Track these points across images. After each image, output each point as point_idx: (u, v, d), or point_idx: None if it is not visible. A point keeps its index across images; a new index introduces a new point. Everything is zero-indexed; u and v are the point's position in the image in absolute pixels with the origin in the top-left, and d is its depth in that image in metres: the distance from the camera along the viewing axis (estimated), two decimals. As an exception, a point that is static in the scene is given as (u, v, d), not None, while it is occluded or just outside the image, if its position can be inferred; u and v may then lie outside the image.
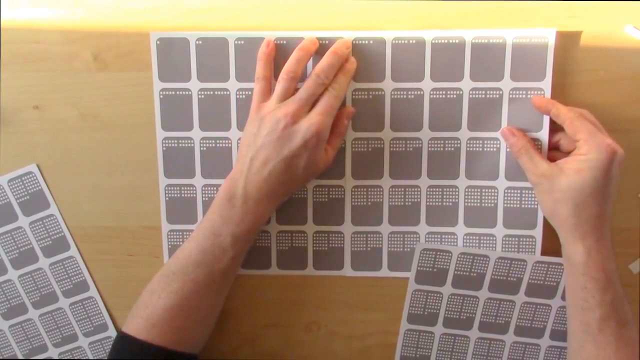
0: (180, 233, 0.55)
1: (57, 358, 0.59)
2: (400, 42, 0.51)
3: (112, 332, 0.58)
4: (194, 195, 0.54)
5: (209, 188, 0.54)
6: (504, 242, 0.53)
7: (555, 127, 0.51)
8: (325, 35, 0.51)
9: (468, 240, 0.54)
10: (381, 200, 0.54)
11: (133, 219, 0.56)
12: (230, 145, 0.53)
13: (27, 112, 0.54)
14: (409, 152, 0.53)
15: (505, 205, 0.53)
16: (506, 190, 0.53)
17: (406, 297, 0.55)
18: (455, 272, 0.54)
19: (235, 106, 0.53)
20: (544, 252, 0.53)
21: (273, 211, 0.53)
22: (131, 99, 0.53)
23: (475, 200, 0.53)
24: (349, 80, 0.51)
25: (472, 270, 0.54)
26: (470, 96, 0.51)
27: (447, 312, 0.55)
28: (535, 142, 0.51)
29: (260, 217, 0.49)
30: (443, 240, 0.54)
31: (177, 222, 0.55)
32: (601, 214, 0.46)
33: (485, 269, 0.54)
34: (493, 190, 0.53)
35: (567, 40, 0.50)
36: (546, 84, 0.50)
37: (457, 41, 0.50)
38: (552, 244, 0.52)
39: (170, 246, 0.55)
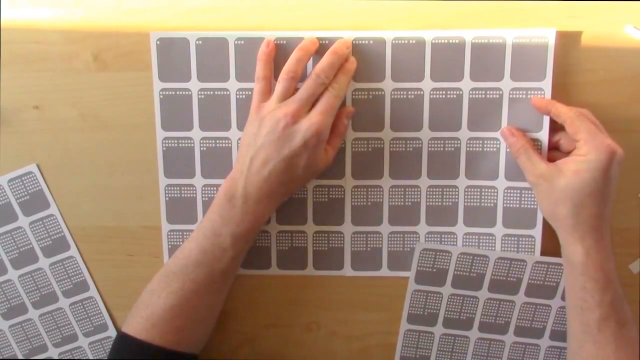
0: (180, 233, 0.55)
1: (57, 358, 0.59)
2: (400, 42, 0.51)
3: (112, 332, 0.58)
4: (194, 195, 0.54)
5: (209, 188, 0.54)
6: (503, 242, 0.53)
7: (555, 127, 0.51)
8: (325, 35, 0.51)
9: (467, 240, 0.54)
10: (381, 200, 0.54)
11: (133, 219, 0.56)
12: (230, 145, 0.53)
13: (27, 112, 0.54)
14: (409, 152, 0.53)
15: (505, 205, 0.53)
16: (506, 190, 0.53)
17: (406, 297, 0.55)
18: (455, 272, 0.54)
19: (235, 106, 0.53)
20: (543, 252, 0.53)
21: (273, 211, 0.53)
22: (131, 99, 0.53)
23: (475, 200, 0.53)
24: (349, 79, 0.51)
25: (472, 270, 0.54)
26: (470, 96, 0.51)
27: (447, 313, 0.55)
28: (535, 143, 0.51)
29: (260, 217, 0.49)
30: (443, 240, 0.54)
31: (177, 222, 0.55)
32: (600, 214, 0.46)
33: (485, 269, 0.54)
34: (493, 190, 0.53)
35: (567, 40, 0.50)
36: (546, 84, 0.50)
37: (457, 41, 0.50)
38: (551, 244, 0.52)
39: (170, 246, 0.55)
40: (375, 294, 0.56)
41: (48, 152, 0.55)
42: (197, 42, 0.52)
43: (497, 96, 0.51)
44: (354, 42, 0.51)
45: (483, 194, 0.53)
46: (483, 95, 0.51)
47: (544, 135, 0.51)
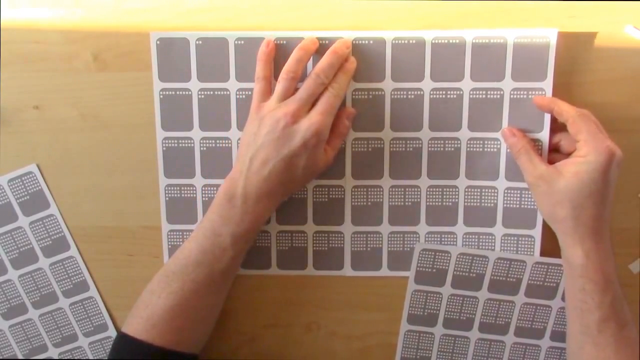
0: (180, 233, 0.55)
1: (57, 358, 0.59)
2: (400, 42, 0.51)
3: (112, 332, 0.58)
4: (194, 195, 0.54)
5: (209, 188, 0.54)
6: (502, 242, 0.53)
7: (555, 128, 0.51)
8: (325, 35, 0.51)
9: (467, 240, 0.54)
10: (381, 200, 0.54)
11: (133, 219, 0.56)
12: (230, 145, 0.53)
13: (27, 112, 0.54)
14: (409, 152, 0.53)
15: (505, 205, 0.53)
16: (506, 191, 0.53)
17: (406, 298, 0.55)
18: (455, 272, 0.54)
19: (235, 106, 0.53)
20: (543, 253, 0.53)
21: (273, 211, 0.53)
22: (131, 99, 0.53)
23: (475, 200, 0.53)
24: (349, 79, 0.51)
25: (472, 270, 0.54)
26: (471, 96, 0.51)
27: (447, 313, 0.55)
28: (536, 143, 0.51)
29: (260, 217, 0.49)
30: (443, 239, 0.54)
31: (177, 222, 0.55)
32: (600, 216, 0.46)
33: (485, 269, 0.54)
34: (493, 191, 0.53)
35: (568, 40, 0.50)
36: (547, 84, 0.50)
37: (457, 41, 0.50)
38: (551, 245, 0.52)
39: (170, 246, 0.55)
40: (375, 294, 0.56)
41: (48, 152, 0.55)
42: (197, 42, 0.52)
43: (498, 96, 0.51)
44: (354, 42, 0.51)
45: (483, 194, 0.53)
46: (484, 96, 0.51)
47: (544, 136, 0.51)
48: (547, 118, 0.51)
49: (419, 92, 0.52)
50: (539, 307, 0.54)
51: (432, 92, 0.51)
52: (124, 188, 0.55)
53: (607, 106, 0.51)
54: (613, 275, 0.47)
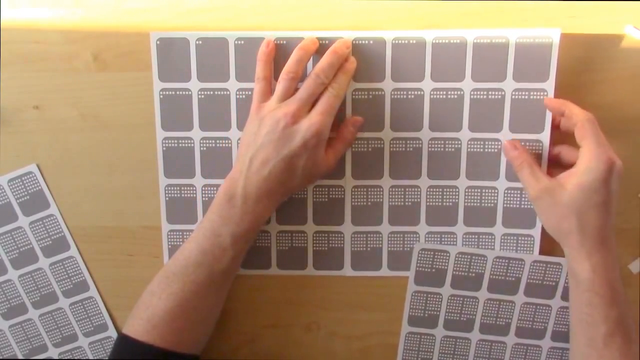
0: (180, 233, 0.55)
1: (57, 358, 0.59)
2: (400, 42, 0.51)
3: (112, 332, 0.58)
4: (194, 195, 0.54)
5: (209, 188, 0.54)
6: (502, 241, 0.53)
7: (554, 141, 0.51)
8: (325, 35, 0.51)
9: (467, 239, 0.54)
10: (381, 200, 0.54)
11: (133, 219, 0.56)
12: (230, 145, 0.53)
13: (27, 112, 0.54)
14: (409, 152, 0.53)
15: (505, 205, 0.53)
16: (506, 191, 0.53)
17: (406, 299, 0.55)
18: (454, 272, 0.54)
19: (235, 106, 0.53)
20: (542, 252, 0.53)
21: (273, 211, 0.52)
22: (131, 99, 0.53)
23: (475, 201, 0.53)
24: (349, 79, 0.51)
25: (471, 270, 0.54)
26: (472, 97, 0.51)
27: (447, 314, 0.55)
28: (537, 143, 0.51)
29: (259, 217, 0.49)
30: (442, 239, 0.54)
31: (177, 222, 0.55)
32: (605, 226, 0.46)
33: (484, 268, 0.54)
34: (493, 191, 0.53)
35: (567, 40, 0.50)
36: (549, 85, 0.50)
37: (458, 41, 0.50)
38: (550, 244, 0.52)
39: (170, 246, 0.55)
40: (375, 294, 0.56)
41: (48, 152, 0.55)
42: (197, 42, 0.52)
43: (499, 97, 0.51)
44: (354, 42, 0.51)
45: (483, 194, 0.53)
46: (485, 96, 0.51)
47: (545, 137, 0.51)
48: (548, 119, 0.51)
49: (419, 92, 0.51)
50: (539, 307, 0.54)
51: (432, 92, 0.51)
52: (124, 188, 0.55)
53: (608, 106, 0.51)
54: (620, 288, 0.46)
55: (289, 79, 0.49)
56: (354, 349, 0.57)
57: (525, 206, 0.53)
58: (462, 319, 0.55)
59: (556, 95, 0.50)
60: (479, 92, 0.51)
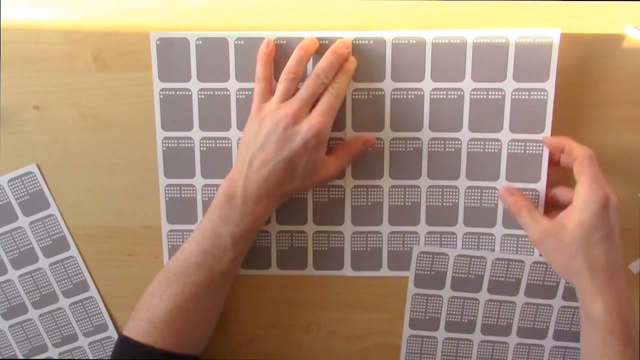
0: (180, 233, 0.55)
1: (57, 358, 0.59)
2: (400, 42, 0.51)
3: (112, 332, 0.58)
4: (194, 195, 0.54)
5: (209, 188, 0.54)
6: (502, 242, 0.53)
7: (549, 183, 0.51)
8: (325, 35, 0.51)
9: (467, 240, 0.54)
10: (381, 200, 0.54)
11: (133, 219, 0.56)
12: (230, 145, 0.53)
13: (27, 112, 0.54)
14: (409, 152, 0.53)
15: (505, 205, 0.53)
16: (506, 191, 0.53)
17: (406, 302, 0.55)
18: (454, 274, 0.54)
19: (235, 106, 0.53)
20: (543, 253, 0.53)
21: (272, 211, 0.52)
22: (131, 99, 0.53)
23: (476, 201, 0.53)
24: (349, 79, 0.50)
25: (470, 272, 0.54)
26: (472, 97, 0.51)
27: (448, 316, 0.55)
28: (536, 144, 0.51)
29: (259, 217, 0.49)
30: (442, 240, 0.54)
31: (177, 222, 0.55)
32: (613, 263, 0.46)
33: (483, 270, 0.54)
34: (493, 191, 0.53)
35: (567, 40, 0.50)
36: (549, 85, 0.50)
37: (458, 41, 0.50)
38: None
39: (170, 246, 0.55)
40: (375, 294, 0.56)
41: (48, 152, 0.55)
42: (197, 42, 0.52)
43: (499, 97, 0.51)
44: (354, 42, 0.51)
45: (484, 194, 0.53)
46: (485, 96, 0.51)
47: (545, 137, 0.51)
48: (549, 119, 0.50)
49: (419, 92, 0.51)
50: (540, 307, 0.54)
51: (432, 92, 0.51)
52: (124, 188, 0.55)
53: (608, 106, 0.51)
54: (634, 325, 0.46)
55: (289, 79, 0.49)
56: (353, 349, 0.57)
57: (526, 206, 0.52)
58: (463, 320, 0.55)
59: (555, 95, 0.50)
60: (479, 92, 0.51)
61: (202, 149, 0.54)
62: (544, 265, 0.53)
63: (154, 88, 0.53)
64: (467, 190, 0.53)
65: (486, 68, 0.51)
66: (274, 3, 0.51)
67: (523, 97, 0.51)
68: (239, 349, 0.57)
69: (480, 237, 0.54)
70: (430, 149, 0.52)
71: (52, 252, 0.56)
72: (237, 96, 0.52)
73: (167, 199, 0.55)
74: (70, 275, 0.57)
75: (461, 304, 0.55)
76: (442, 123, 0.52)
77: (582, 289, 0.47)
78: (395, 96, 0.52)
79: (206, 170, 0.54)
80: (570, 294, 0.54)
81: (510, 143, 0.52)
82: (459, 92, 0.51)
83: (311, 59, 0.50)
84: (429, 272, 0.54)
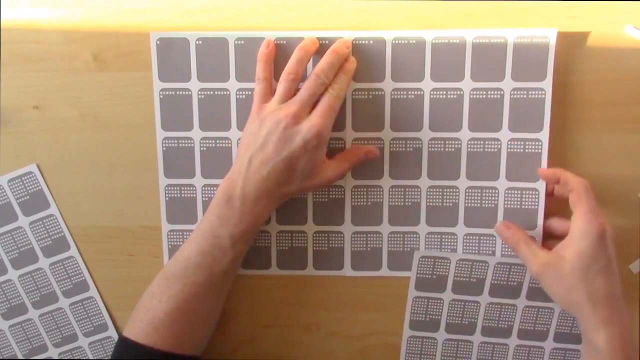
0: (180, 233, 0.55)
1: (57, 358, 0.59)
2: (400, 42, 0.51)
3: (112, 332, 0.58)
4: (194, 195, 0.54)
5: (209, 188, 0.54)
6: (503, 243, 0.53)
7: (546, 213, 0.51)
8: (325, 35, 0.51)
9: (467, 241, 0.54)
10: (381, 200, 0.54)
11: (133, 219, 0.56)
12: (230, 145, 0.53)
13: (27, 112, 0.54)
14: (409, 152, 0.53)
15: (505, 205, 0.53)
16: (507, 191, 0.53)
17: (407, 304, 0.55)
18: (455, 278, 0.54)
19: (235, 106, 0.53)
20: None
21: (271, 212, 0.52)
22: (131, 99, 0.53)
23: (476, 201, 0.53)
24: (349, 79, 0.50)
25: (472, 275, 0.54)
26: (471, 96, 0.51)
27: (449, 318, 0.55)
28: (536, 142, 0.51)
29: (258, 217, 0.49)
30: (443, 240, 0.54)
31: (177, 222, 0.55)
32: (613, 293, 0.46)
33: (485, 274, 0.54)
34: (494, 191, 0.53)
35: (567, 40, 0.50)
36: (547, 84, 0.50)
37: (457, 41, 0.50)
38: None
39: (170, 246, 0.55)
40: (375, 294, 0.56)
41: (48, 152, 0.55)
42: (197, 42, 0.52)
43: (498, 96, 0.51)
44: (354, 42, 0.51)
45: (484, 194, 0.53)
46: (484, 96, 0.51)
47: (544, 136, 0.51)
48: (547, 118, 0.51)
49: (419, 92, 0.51)
50: (541, 310, 0.54)
51: (432, 92, 0.51)
52: (124, 188, 0.55)
53: (607, 106, 0.51)
54: (636, 354, 0.46)
55: (289, 79, 0.49)
56: (353, 349, 0.57)
57: (526, 207, 0.52)
58: (463, 322, 0.55)
59: (555, 95, 0.50)
60: (478, 92, 0.51)
61: (202, 149, 0.54)
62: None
63: (154, 88, 0.53)
64: (467, 190, 0.53)
65: (485, 68, 0.51)
66: (274, 3, 0.51)
67: (521, 96, 0.51)
68: (238, 349, 0.57)
69: (481, 237, 0.54)
70: (430, 149, 0.52)
71: (52, 252, 0.56)
72: (237, 96, 0.52)
73: (167, 199, 0.55)
74: (70, 275, 0.57)
75: (462, 306, 0.55)
76: (442, 123, 0.52)
77: (584, 319, 0.47)
78: (395, 96, 0.52)
79: (206, 170, 0.54)
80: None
81: (509, 142, 0.52)
82: (458, 92, 0.51)
83: (311, 59, 0.50)
84: (430, 276, 0.54)
